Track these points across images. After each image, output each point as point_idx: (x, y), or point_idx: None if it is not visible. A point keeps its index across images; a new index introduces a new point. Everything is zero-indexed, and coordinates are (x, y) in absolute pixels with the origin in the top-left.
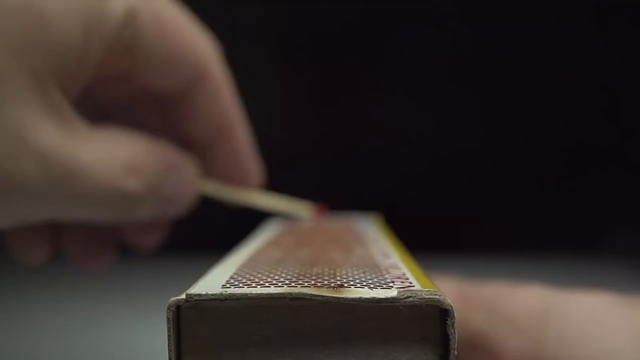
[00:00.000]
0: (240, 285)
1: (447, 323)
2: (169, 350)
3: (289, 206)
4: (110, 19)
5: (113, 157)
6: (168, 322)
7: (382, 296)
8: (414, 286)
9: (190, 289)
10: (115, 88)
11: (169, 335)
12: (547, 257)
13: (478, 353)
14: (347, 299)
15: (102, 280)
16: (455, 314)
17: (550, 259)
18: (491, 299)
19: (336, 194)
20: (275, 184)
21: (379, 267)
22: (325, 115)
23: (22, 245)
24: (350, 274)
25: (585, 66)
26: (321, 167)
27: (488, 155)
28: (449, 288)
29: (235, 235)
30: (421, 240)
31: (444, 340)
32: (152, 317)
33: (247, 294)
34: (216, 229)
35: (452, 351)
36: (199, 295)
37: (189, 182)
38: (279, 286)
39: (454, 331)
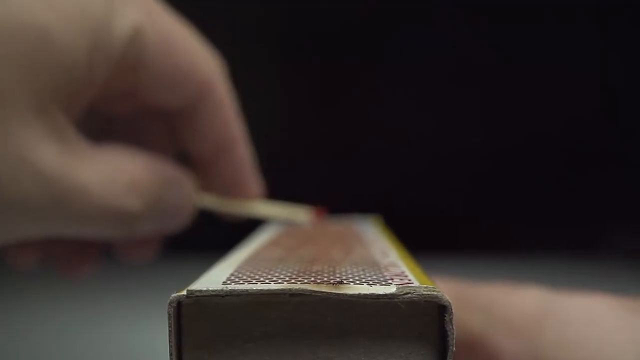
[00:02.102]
0: (241, 282)
1: (445, 319)
2: (170, 345)
3: (288, 212)
4: (116, 39)
5: (114, 176)
6: (169, 318)
7: (381, 292)
8: (412, 283)
9: (191, 285)
10: (119, 104)
11: (169, 331)
12: (545, 257)
13: (475, 354)
14: (346, 295)
15: (101, 280)
16: (453, 310)
17: (549, 259)
18: (489, 301)
19: (336, 194)
20: (275, 184)
21: (378, 266)
22: (325, 115)
23: (13, 250)
24: (349, 272)
25: (585, 66)
26: (321, 167)
27: (488, 155)
28: (446, 289)
29: (235, 236)
30: (421, 241)
31: (442, 337)
32: (152, 317)
33: (247, 290)
34: (216, 229)
35: (451, 347)
36: (200, 291)
37: (187, 197)
38: (279, 283)
39: (452, 327)
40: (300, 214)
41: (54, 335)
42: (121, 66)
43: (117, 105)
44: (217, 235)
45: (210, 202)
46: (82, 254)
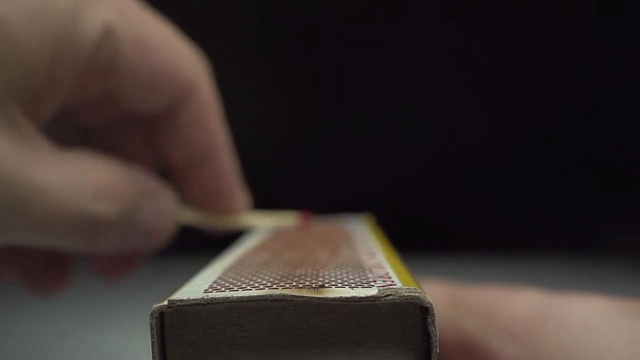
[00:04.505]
0: (223, 289)
1: (427, 321)
2: (153, 356)
3: (274, 220)
4: (84, 38)
5: (81, 179)
6: (151, 329)
7: (362, 295)
8: (395, 284)
9: (173, 294)
10: (96, 111)
11: (152, 342)
12: (545, 257)
13: (472, 358)
14: (327, 298)
15: (96, 280)
16: (435, 312)
17: (549, 259)
18: (486, 304)
19: (335, 194)
20: (275, 184)
21: (363, 267)
22: (325, 115)
23: None
24: (332, 274)
25: (585, 66)
26: (321, 167)
27: (488, 155)
28: (443, 292)
29: (233, 235)
30: (420, 241)
31: (426, 338)
32: (143, 321)
33: (228, 298)
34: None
35: (434, 349)
36: (181, 300)
37: (166, 212)
38: (261, 289)
39: (435, 329)
40: (286, 221)
41: (48, 335)
42: (92, 67)
43: (94, 113)
44: (210, 236)
45: (193, 217)
46: (52, 270)
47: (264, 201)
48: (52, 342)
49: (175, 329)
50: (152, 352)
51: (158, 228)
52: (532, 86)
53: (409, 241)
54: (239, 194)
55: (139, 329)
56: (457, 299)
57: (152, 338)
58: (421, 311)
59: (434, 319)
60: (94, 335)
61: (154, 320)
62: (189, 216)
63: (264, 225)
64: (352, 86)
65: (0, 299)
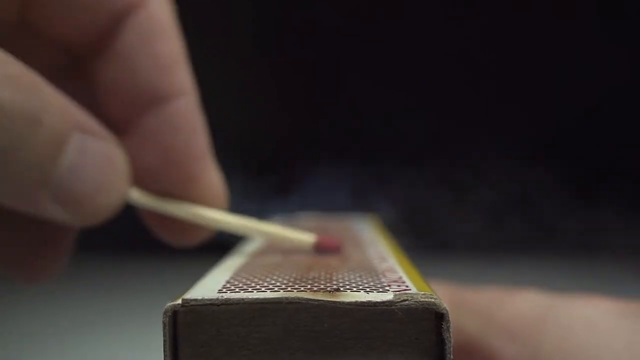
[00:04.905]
0: (237, 290)
1: (442, 327)
2: (165, 355)
3: (285, 234)
4: None
5: None
6: (164, 327)
7: (378, 300)
8: (410, 290)
9: (186, 293)
10: (17, 46)
11: (164, 341)
12: (546, 257)
13: (472, 359)
14: (343, 302)
15: (99, 280)
16: (450, 318)
17: (550, 259)
18: (487, 305)
19: (335, 194)
20: (274, 184)
21: (376, 271)
22: (325, 115)
23: None
24: (346, 278)
25: (585, 66)
26: (320, 167)
27: (487, 155)
28: (444, 293)
29: (235, 235)
30: (420, 241)
31: (440, 344)
32: (152, 317)
33: (243, 299)
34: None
35: (448, 355)
36: (196, 300)
37: (114, 161)
38: (275, 291)
39: (450, 335)
40: (300, 239)
41: (51, 336)
42: None
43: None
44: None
45: (146, 198)
46: (43, 247)
47: (262, 201)
48: (52, 342)
49: (188, 328)
50: (164, 350)
51: (102, 180)
52: (532, 86)
53: (409, 241)
54: (211, 170)
55: (139, 328)
56: (458, 299)
57: (165, 336)
58: (436, 317)
59: (449, 325)
60: (94, 335)
61: (167, 318)
62: (140, 197)
63: (270, 234)
64: (352, 86)
65: (0, 299)
